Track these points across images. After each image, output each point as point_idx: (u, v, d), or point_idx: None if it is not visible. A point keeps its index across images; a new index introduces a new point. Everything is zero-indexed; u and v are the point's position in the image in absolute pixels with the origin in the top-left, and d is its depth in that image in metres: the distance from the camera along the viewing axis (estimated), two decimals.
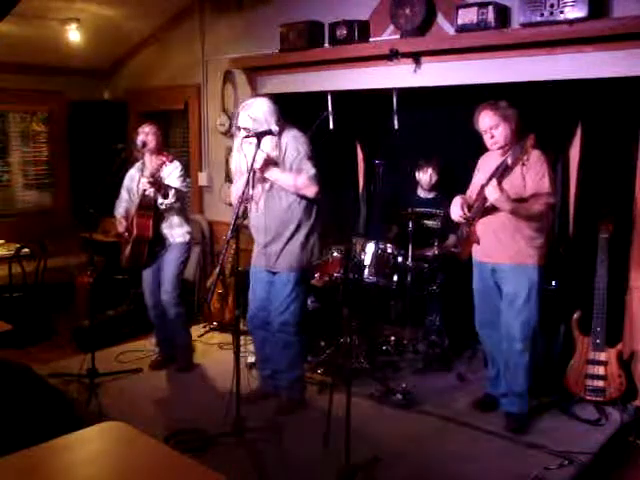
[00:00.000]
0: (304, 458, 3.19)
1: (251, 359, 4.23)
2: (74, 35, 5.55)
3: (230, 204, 5.35)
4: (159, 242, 4.19)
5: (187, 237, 4.25)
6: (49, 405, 3.54)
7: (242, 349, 3.94)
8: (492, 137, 3.46)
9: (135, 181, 4.25)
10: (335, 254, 4.28)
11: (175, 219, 4.19)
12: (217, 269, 4.11)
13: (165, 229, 4.19)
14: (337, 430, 3.10)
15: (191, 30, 5.84)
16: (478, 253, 3.62)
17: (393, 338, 4.52)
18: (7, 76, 5.87)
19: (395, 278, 4.32)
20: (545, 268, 3.50)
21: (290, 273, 3.56)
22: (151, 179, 3.93)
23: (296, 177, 3.44)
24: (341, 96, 4.73)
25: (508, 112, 3.43)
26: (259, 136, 3.30)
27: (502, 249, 3.47)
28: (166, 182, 4.07)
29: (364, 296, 4.34)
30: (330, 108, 4.57)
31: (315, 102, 4.73)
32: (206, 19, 5.72)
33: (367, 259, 4.25)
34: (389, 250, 4.33)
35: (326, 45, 4.76)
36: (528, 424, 3.58)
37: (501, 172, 3.32)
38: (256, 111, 3.45)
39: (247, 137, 3.41)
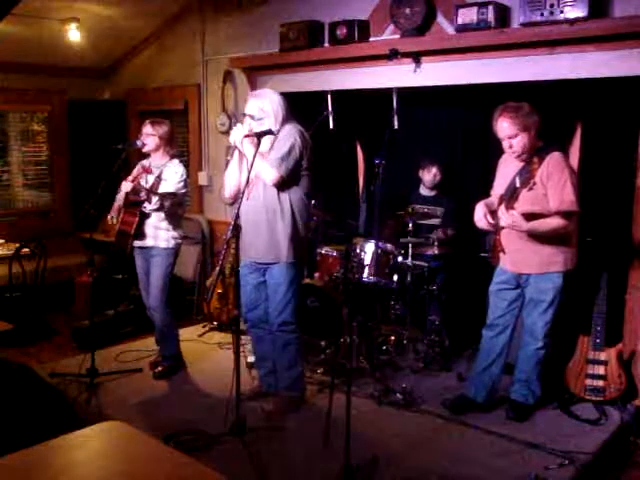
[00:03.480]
0: (304, 458, 3.19)
1: (251, 359, 4.22)
2: (74, 35, 5.55)
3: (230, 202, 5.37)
4: (143, 237, 4.13)
5: (172, 242, 4.14)
6: (49, 405, 3.54)
7: (242, 349, 3.95)
8: (510, 146, 3.36)
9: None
10: (335, 254, 4.28)
11: (162, 222, 4.11)
12: (217, 269, 4.11)
13: (149, 229, 4.11)
14: (337, 430, 3.10)
15: (191, 30, 5.84)
16: (505, 262, 3.57)
17: (393, 338, 4.52)
18: (7, 76, 5.88)
19: (395, 278, 4.32)
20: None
21: (280, 268, 3.52)
22: (130, 184, 3.91)
23: (261, 160, 3.38)
24: (341, 96, 4.73)
25: (529, 120, 3.29)
26: (259, 136, 3.31)
27: (528, 259, 3.43)
28: (162, 184, 4.04)
29: (364, 296, 4.34)
30: (330, 108, 4.56)
31: (315, 102, 4.73)
32: (206, 19, 5.72)
33: (367, 259, 4.25)
34: (389, 250, 4.33)
35: (326, 45, 4.76)
36: (529, 416, 3.61)
37: (510, 194, 3.28)
38: (266, 102, 3.47)
39: (247, 136, 3.41)
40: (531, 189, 3.16)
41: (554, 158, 3.31)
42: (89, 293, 4.43)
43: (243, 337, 3.92)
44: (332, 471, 2.92)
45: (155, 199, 3.99)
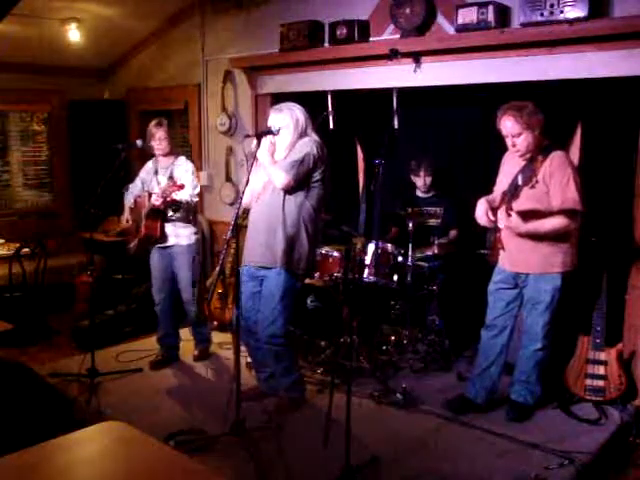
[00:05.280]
0: (304, 458, 3.19)
1: (251, 359, 4.23)
2: (74, 35, 5.56)
3: (231, 204, 5.38)
4: (165, 238, 4.26)
5: (192, 238, 4.30)
6: (48, 405, 3.54)
7: (242, 349, 3.94)
8: (514, 145, 3.34)
9: (150, 175, 4.34)
10: (335, 254, 4.28)
11: (180, 221, 4.24)
12: (217, 269, 4.13)
13: (169, 229, 4.24)
14: (337, 430, 3.10)
15: (191, 30, 5.84)
16: (503, 260, 3.57)
17: (393, 338, 4.52)
18: (7, 76, 5.87)
19: (395, 278, 4.31)
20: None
21: (277, 276, 3.51)
22: (162, 199, 4.01)
23: (274, 164, 3.43)
24: (341, 96, 4.73)
25: (533, 119, 3.27)
26: (259, 136, 3.32)
27: (527, 258, 3.42)
28: (178, 184, 4.09)
29: (364, 296, 4.34)
30: (330, 108, 4.56)
31: (315, 102, 4.73)
32: (206, 19, 5.72)
33: (367, 259, 4.24)
34: (389, 250, 4.33)
35: (326, 45, 4.76)
36: (529, 416, 3.60)
37: (512, 191, 3.26)
38: (286, 115, 3.49)
39: (247, 136, 3.43)
40: (533, 187, 3.16)
41: (557, 157, 3.30)
42: (89, 293, 4.43)
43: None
44: (332, 471, 2.92)
45: (182, 209, 4.15)
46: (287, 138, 3.48)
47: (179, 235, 4.25)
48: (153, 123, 4.26)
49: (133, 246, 4.35)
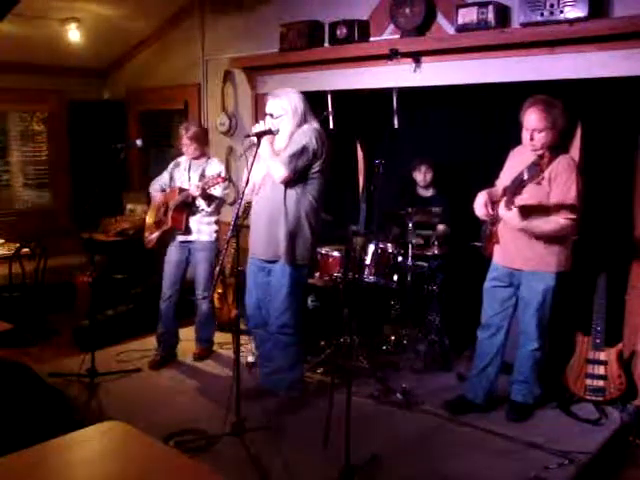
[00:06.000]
0: (304, 458, 3.19)
1: (251, 359, 4.23)
2: (74, 35, 5.56)
3: (231, 204, 5.38)
4: (189, 232, 4.33)
5: (214, 236, 4.39)
6: (48, 405, 3.54)
7: (242, 349, 3.95)
8: (532, 139, 3.29)
9: (180, 170, 4.42)
10: (335, 254, 4.28)
11: (205, 217, 4.32)
12: (217, 269, 4.13)
13: (193, 224, 4.32)
14: (337, 430, 3.10)
15: (191, 30, 5.84)
16: (498, 256, 3.56)
17: (393, 338, 4.52)
18: (7, 76, 5.88)
19: (395, 278, 4.31)
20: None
21: (282, 269, 3.52)
22: (201, 190, 4.07)
23: (273, 157, 3.43)
24: (341, 96, 4.72)
25: (559, 120, 3.25)
26: (259, 135, 3.31)
27: (521, 255, 3.42)
28: (222, 176, 4.14)
29: (364, 296, 4.34)
30: (330, 108, 4.56)
31: (315, 102, 4.72)
32: (206, 19, 5.72)
33: (367, 259, 4.24)
34: (389, 250, 4.33)
35: (326, 45, 4.77)
36: (529, 416, 3.60)
37: (516, 186, 3.26)
38: (284, 101, 3.48)
39: (247, 136, 3.43)
40: (539, 183, 3.16)
41: (565, 160, 3.29)
42: (89, 293, 4.43)
43: (243, 337, 3.92)
44: (332, 471, 2.92)
45: (214, 204, 4.24)
46: (286, 126, 3.45)
47: (201, 231, 4.33)
48: (182, 126, 4.38)
49: (153, 239, 4.40)
